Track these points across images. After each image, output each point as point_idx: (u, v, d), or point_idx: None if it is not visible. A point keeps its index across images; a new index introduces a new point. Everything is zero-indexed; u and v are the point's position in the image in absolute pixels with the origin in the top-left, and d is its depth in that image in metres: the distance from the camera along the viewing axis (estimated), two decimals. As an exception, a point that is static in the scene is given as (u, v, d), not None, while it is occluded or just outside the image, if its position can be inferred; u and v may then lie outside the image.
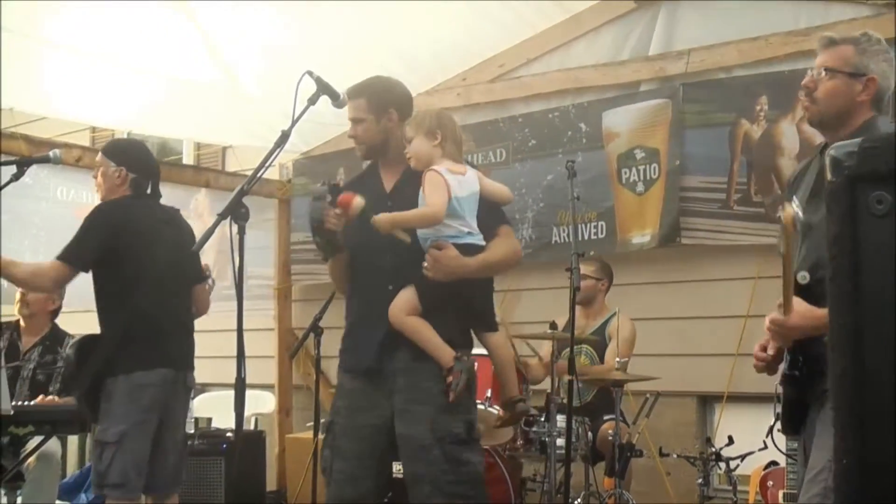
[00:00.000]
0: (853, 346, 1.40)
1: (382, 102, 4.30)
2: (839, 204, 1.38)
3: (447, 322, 4.11)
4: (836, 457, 1.48)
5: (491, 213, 4.25)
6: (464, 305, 4.19)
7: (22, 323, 6.07)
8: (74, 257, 4.82)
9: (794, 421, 3.27)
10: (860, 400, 1.41)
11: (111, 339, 4.78)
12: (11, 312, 6.94)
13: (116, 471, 4.69)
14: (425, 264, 4.03)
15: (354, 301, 4.37)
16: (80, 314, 7.04)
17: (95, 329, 5.15)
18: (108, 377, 4.76)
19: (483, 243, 4.13)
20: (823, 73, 3.27)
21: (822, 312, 2.95)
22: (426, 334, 4.06)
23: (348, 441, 4.22)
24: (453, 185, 4.03)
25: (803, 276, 3.05)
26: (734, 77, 6.85)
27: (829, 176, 1.40)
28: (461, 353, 4.04)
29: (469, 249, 4.07)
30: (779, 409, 3.33)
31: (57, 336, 6.19)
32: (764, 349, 3.28)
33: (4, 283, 6.90)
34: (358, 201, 3.99)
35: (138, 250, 4.84)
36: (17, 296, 6.08)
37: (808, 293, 3.06)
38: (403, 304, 4.09)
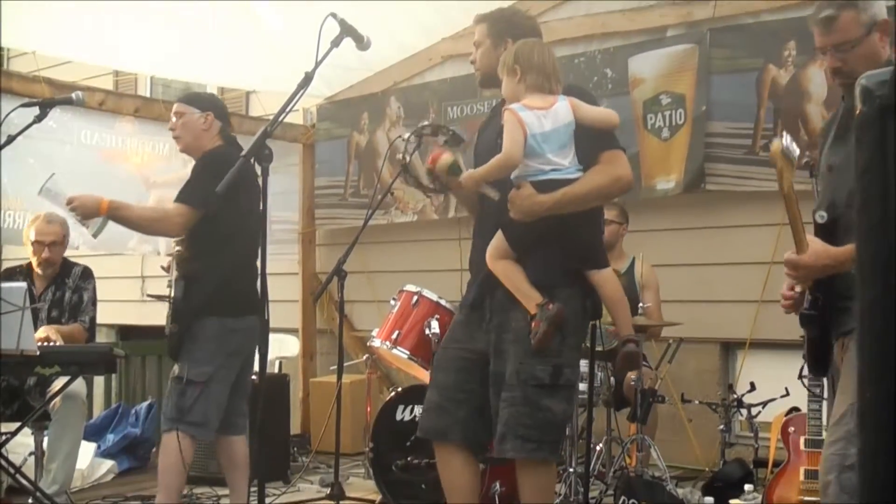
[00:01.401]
0: (883, 276, 1.37)
1: (500, 30, 4.30)
2: (870, 133, 1.36)
3: (543, 263, 4.01)
4: (860, 389, 1.47)
5: (593, 141, 4.02)
6: (559, 244, 4.02)
7: (38, 270, 6.08)
8: (200, 200, 4.78)
9: (820, 361, 3.25)
10: (890, 330, 1.38)
11: (210, 283, 4.82)
12: (16, 255, 6.99)
13: (199, 410, 4.81)
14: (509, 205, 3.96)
15: (474, 237, 4.37)
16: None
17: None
18: (198, 319, 4.84)
19: (575, 176, 3.95)
20: (845, 51, 3.19)
21: (839, 250, 2.97)
22: (514, 280, 3.99)
23: (440, 371, 4.27)
24: (530, 121, 3.88)
25: (821, 216, 3.02)
26: (762, 22, 6.77)
27: (859, 106, 1.38)
28: (551, 298, 3.92)
29: (550, 185, 3.90)
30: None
31: (65, 269, 6.20)
32: (792, 287, 3.26)
33: (4, 223, 6.97)
34: (445, 158, 3.98)
35: (244, 200, 4.83)
36: (35, 259, 6.04)
37: (826, 233, 3.03)
38: (495, 248, 4.04)
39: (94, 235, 4.92)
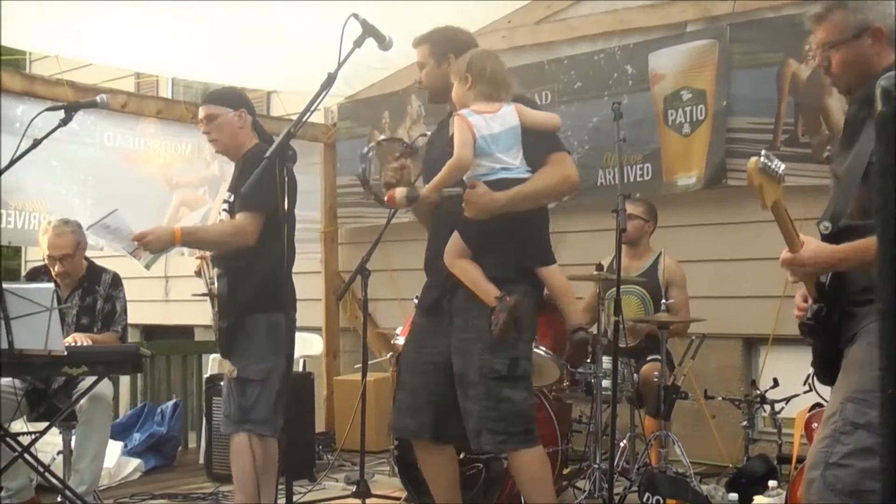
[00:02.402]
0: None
1: (442, 49, 4.49)
2: (888, 132, 1.37)
3: (498, 259, 4.23)
4: (882, 386, 1.49)
5: (539, 143, 4.27)
6: (512, 241, 4.24)
7: (56, 278, 6.07)
8: (263, 204, 4.66)
9: (828, 370, 3.21)
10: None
11: (256, 279, 4.78)
12: (40, 256, 7.00)
13: (262, 407, 4.78)
14: (463, 205, 4.14)
15: (430, 241, 4.58)
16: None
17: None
18: (249, 315, 4.80)
19: (525, 176, 4.20)
20: (829, 50, 3.17)
21: (837, 247, 2.96)
22: (471, 276, 4.20)
23: (409, 375, 4.52)
24: (478, 124, 4.12)
25: (825, 226, 2.99)
26: (782, 16, 6.74)
27: (878, 106, 1.39)
28: (507, 291, 4.12)
29: (503, 184, 4.13)
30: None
31: (94, 275, 6.16)
32: (806, 299, 3.24)
33: (28, 225, 7.02)
34: (399, 194, 4.20)
35: (287, 196, 4.76)
36: (55, 270, 6.00)
37: (830, 242, 3.01)
38: (453, 248, 4.27)
39: (147, 267, 4.91)
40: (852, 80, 3.19)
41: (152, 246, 4.74)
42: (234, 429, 4.86)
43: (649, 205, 6.56)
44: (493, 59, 4.35)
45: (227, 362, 4.92)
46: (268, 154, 3.70)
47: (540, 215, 4.38)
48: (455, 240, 4.27)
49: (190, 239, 4.89)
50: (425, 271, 4.58)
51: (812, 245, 3.00)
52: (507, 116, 4.20)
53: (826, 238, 3.02)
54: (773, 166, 2.84)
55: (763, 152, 2.85)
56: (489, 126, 4.14)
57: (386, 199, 4.28)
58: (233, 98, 5.12)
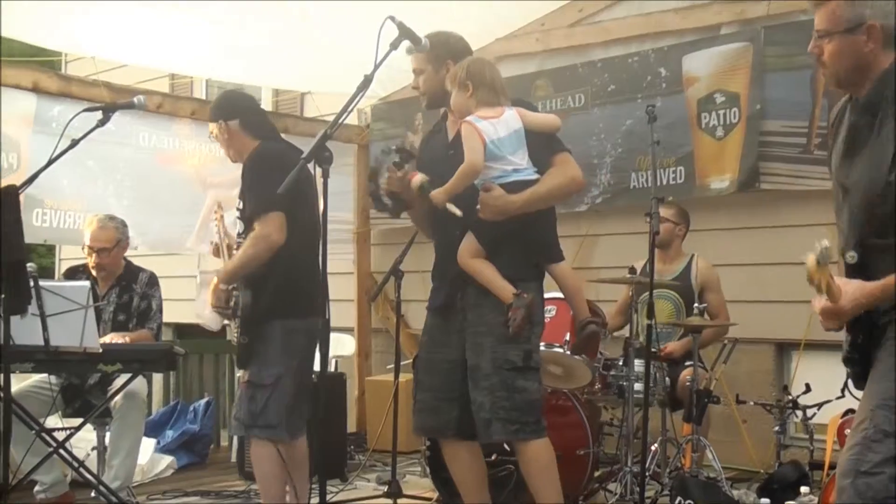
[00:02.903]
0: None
1: (440, 54, 4.54)
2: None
3: (511, 259, 4.34)
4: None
5: (543, 145, 4.41)
6: (525, 240, 4.37)
7: (93, 272, 6.13)
8: (279, 201, 4.64)
9: (864, 376, 3.13)
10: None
11: (273, 286, 4.82)
12: (76, 255, 7.09)
13: (272, 412, 4.81)
14: (478, 207, 4.26)
15: (435, 246, 4.70)
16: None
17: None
18: (267, 321, 4.83)
19: (534, 177, 4.32)
20: (822, 39, 3.12)
21: (873, 286, 2.89)
22: (487, 275, 4.32)
23: (427, 375, 4.60)
24: (486, 129, 4.24)
25: (851, 257, 2.95)
26: (817, 18, 6.72)
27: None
28: (521, 290, 4.25)
29: (517, 186, 4.26)
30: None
31: (131, 274, 6.23)
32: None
33: (64, 224, 7.09)
34: (416, 180, 4.35)
35: (300, 197, 4.78)
36: (91, 261, 6.09)
37: (858, 271, 2.95)
38: (467, 248, 4.38)
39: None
40: (842, 73, 3.14)
41: (212, 303, 4.94)
42: (244, 433, 4.98)
43: (680, 208, 6.55)
44: (490, 66, 4.49)
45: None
46: (304, 156, 3.72)
47: (548, 214, 4.50)
48: (469, 241, 4.38)
49: (228, 277, 4.90)
50: (432, 274, 4.68)
51: (850, 290, 2.92)
52: (510, 120, 4.32)
53: (852, 268, 2.97)
54: (826, 256, 2.78)
55: (818, 243, 2.76)
56: (496, 130, 4.26)
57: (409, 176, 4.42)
58: (214, 110, 5.22)
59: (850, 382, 3.29)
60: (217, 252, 5.35)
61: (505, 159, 4.27)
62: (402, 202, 4.57)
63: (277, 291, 4.80)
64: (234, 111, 5.13)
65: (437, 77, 4.57)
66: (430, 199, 4.32)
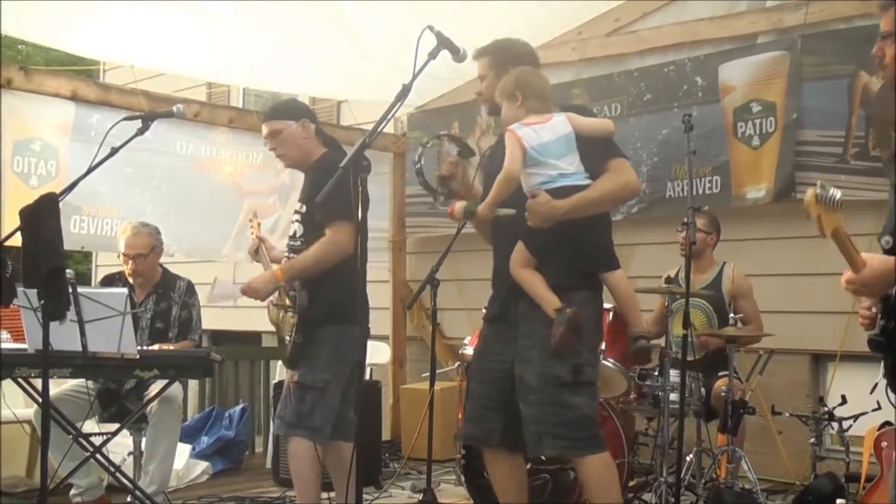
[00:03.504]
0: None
1: (503, 60, 4.53)
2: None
3: (560, 267, 4.28)
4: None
5: (597, 151, 4.31)
6: (574, 248, 4.28)
7: (129, 279, 6.17)
8: (351, 212, 4.43)
9: None
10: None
11: (332, 291, 4.82)
12: (113, 261, 7.14)
13: (319, 415, 4.86)
14: (526, 214, 4.20)
15: (494, 253, 4.63)
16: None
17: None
18: (323, 325, 4.86)
19: (585, 182, 4.23)
20: (885, 40, 3.11)
21: None
22: (534, 287, 4.26)
23: (477, 383, 4.55)
24: (527, 135, 4.19)
25: (886, 241, 2.99)
26: (854, 27, 6.68)
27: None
28: (565, 304, 4.17)
29: (564, 192, 4.19)
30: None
31: (168, 281, 6.27)
32: (869, 308, 3.20)
33: (101, 231, 7.16)
34: (458, 208, 4.31)
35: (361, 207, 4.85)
36: (128, 269, 6.14)
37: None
38: (518, 258, 4.32)
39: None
40: None
41: (260, 293, 4.93)
42: (288, 432, 4.95)
43: (712, 217, 6.52)
44: (538, 75, 4.45)
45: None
46: (343, 164, 3.72)
47: (602, 221, 4.42)
48: (519, 249, 4.32)
49: (292, 273, 4.92)
50: (492, 283, 4.63)
51: (874, 262, 2.96)
52: (558, 125, 4.26)
53: (889, 253, 2.99)
54: (830, 195, 2.81)
55: (819, 183, 2.82)
56: (539, 136, 4.20)
57: (448, 211, 4.38)
58: (293, 110, 5.20)
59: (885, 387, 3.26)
60: (256, 253, 5.35)
61: (549, 164, 4.20)
62: (452, 192, 4.53)
63: (336, 297, 4.79)
64: (312, 114, 5.22)
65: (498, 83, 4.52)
66: (479, 219, 4.34)
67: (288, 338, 4.96)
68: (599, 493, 4.27)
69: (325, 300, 4.85)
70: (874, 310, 3.16)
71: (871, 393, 4.85)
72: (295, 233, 5.09)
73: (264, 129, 5.14)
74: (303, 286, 4.89)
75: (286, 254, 5.13)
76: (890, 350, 3.11)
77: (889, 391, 3.30)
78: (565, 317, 4.14)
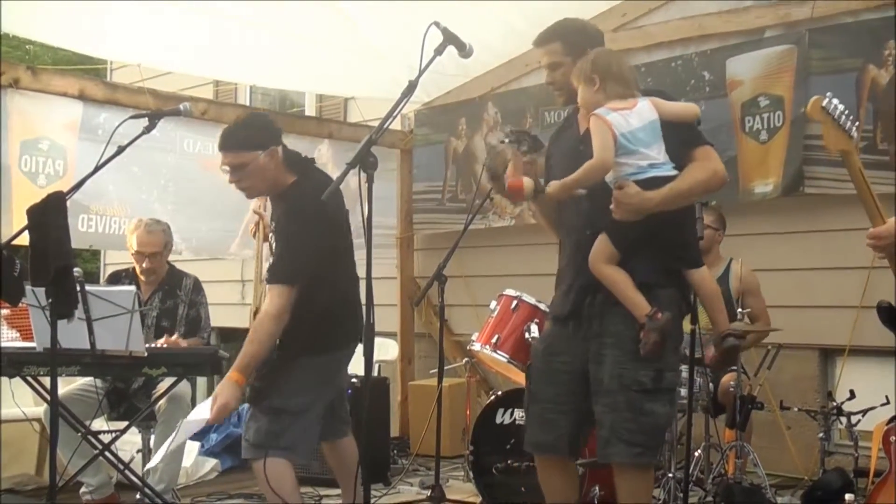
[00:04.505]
0: None
1: (579, 44, 4.25)
2: None
3: (647, 264, 4.01)
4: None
5: (682, 138, 4.06)
6: (662, 243, 4.04)
7: (141, 277, 6.17)
8: (292, 276, 4.45)
9: None
10: None
11: (303, 328, 4.52)
12: (120, 259, 7.14)
13: (291, 437, 4.51)
14: (611, 206, 3.95)
15: (563, 246, 4.37)
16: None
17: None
18: (308, 356, 4.58)
19: (673, 173, 3.97)
20: None
21: None
22: (621, 287, 3.98)
23: (542, 385, 4.25)
24: (617, 122, 3.92)
25: None
26: (861, 21, 6.66)
27: None
28: (656, 308, 3.92)
29: (654, 183, 3.91)
30: None
31: (174, 278, 6.26)
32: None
33: (108, 229, 7.18)
34: (527, 184, 4.05)
35: (336, 228, 4.63)
36: (138, 268, 6.14)
37: None
38: (600, 253, 4.03)
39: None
40: None
41: (231, 405, 4.50)
42: (256, 454, 4.53)
43: (718, 213, 6.50)
44: (617, 57, 4.20)
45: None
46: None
47: (688, 214, 4.19)
48: (603, 244, 4.02)
49: (248, 368, 4.50)
50: (557, 278, 4.37)
51: (892, 223, 2.95)
52: (644, 111, 3.98)
53: None
54: (838, 113, 2.76)
55: (829, 94, 2.78)
56: (628, 122, 3.93)
57: (508, 186, 4.09)
58: (258, 136, 4.62)
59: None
60: (256, 228, 5.29)
61: (639, 153, 3.92)
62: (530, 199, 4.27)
63: (314, 330, 4.56)
64: (277, 135, 4.71)
65: None
66: (548, 198, 4.08)
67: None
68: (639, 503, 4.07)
69: (294, 340, 4.56)
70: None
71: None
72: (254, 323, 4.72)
73: (223, 160, 4.61)
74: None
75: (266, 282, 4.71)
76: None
77: None
78: (658, 324, 3.89)
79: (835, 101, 2.77)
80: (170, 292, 6.19)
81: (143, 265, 6.10)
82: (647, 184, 3.90)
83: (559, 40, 4.28)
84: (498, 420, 5.95)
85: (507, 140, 4.23)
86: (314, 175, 4.75)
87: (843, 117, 2.77)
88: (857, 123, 2.80)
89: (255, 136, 4.60)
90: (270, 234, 4.82)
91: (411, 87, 3.84)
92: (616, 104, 3.98)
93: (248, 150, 4.54)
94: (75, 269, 4.49)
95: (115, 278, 6.31)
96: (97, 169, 4.50)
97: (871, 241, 3.03)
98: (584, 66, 4.07)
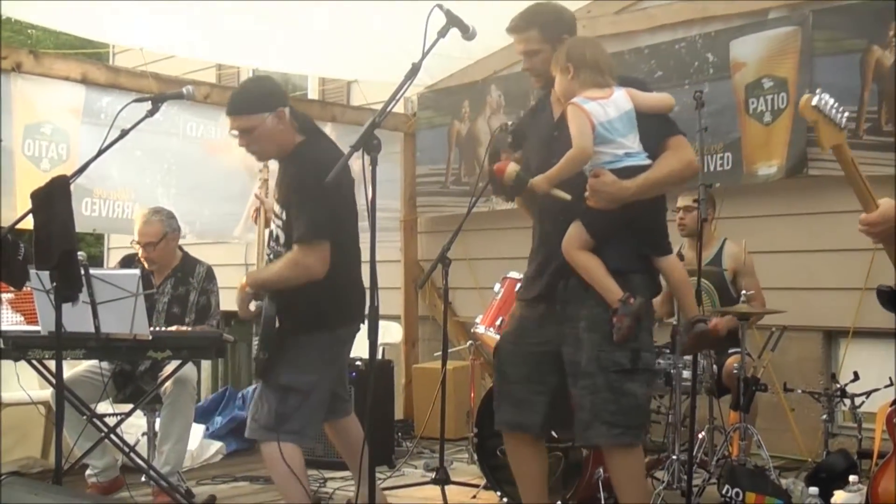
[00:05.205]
0: None
1: (556, 31, 4.28)
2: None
3: (620, 251, 4.11)
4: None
5: (655, 128, 4.14)
6: (634, 231, 4.13)
7: (145, 265, 6.16)
8: (327, 227, 4.42)
9: None
10: None
11: (311, 301, 4.50)
12: (123, 244, 7.15)
13: (300, 419, 4.53)
14: (586, 194, 4.01)
15: (535, 230, 4.45)
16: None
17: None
18: (309, 333, 4.54)
19: (647, 162, 4.05)
20: None
21: None
22: (595, 273, 4.06)
23: (514, 366, 4.34)
24: (595, 112, 4.00)
25: None
26: (865, 2, 6.64)
27: None
28: (629, 293, 4.00)
29: (629, 172, 4.00)
30: None
31: (187, 266, 6.23)
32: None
33: (113, 213, 7.18)
34: (511, 168, 4.08)
35: (345, 202, 4.62)
36: (141, 252, 6.12)
37: None
38: (574, 239, 4.11)
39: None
40: None
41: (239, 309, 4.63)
42: (264, 435, 4.56)
43: (709, 195, 6.47)
44: (593, 45, 4.24)
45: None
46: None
47: (659, 203, 4.25)
48: (577, 230, 4.10)
49: (255, 284, 4.58)
50: (531, 261, 4.43)
51: (885, 207, 2.93)
52: (620, 101, 4.07)
53: None
54: (829, 108, 2.75)
55: (819, 90, 2.77)
56: (606, 112, 4.01)
57: (495, 168, 4.13)
58: (266, 98, 4.60)
59: None
60: (256, 214, 5.28)
61: (616, 143, 4.01)
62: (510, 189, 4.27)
63: (320, 305, 4.54)
64: (284, 96, 4.72)
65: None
66: (530, 188, 4.08)
67: (254, 353, 4.68)
68: (635, 486, 4.16)
69: (298, 313, 4.52)
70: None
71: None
72: (278, 238, 4.68)
73: (231, 124, 4.59)
74: (271, 297, 4.53)
75: (268, 255, 4.76)
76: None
77: None
78: (632, 308, 3.98)
79: (825, 96, 2.75)
80: (182, 279, 6.15)
81: (141, 254, 6.08)
82: (622, 173, 3.99)
83: (536, 28, 4.30)
84: (502, 402, 5.95)
85: (503, 133, 4.36)
86: (323, 138, 4.79)
87: (834, 111, 2.75)
88: (845, 113, 2.77)
89: (261, 98, 4.59)
90: (273, 221, 4.78)
91: (414, 70, 3.82)
92: (593, 93, 4.06)
93: (255, 113, 4.52)
94: (79, 253, 4.49)
95: (128, 261, 6.26)
96: (100, 153, 4.50)
97: (864, 227, 2.99)
98: (560, 55, 4.15)
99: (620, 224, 4.06)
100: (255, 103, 4.56)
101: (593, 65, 4.10)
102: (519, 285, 4.53)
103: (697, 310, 4.45)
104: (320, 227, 4.40)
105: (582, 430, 4.09)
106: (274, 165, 4.82)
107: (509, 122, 4.44)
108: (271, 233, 4.80)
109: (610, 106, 4.03)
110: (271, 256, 4.71)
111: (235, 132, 4.59)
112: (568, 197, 4.01)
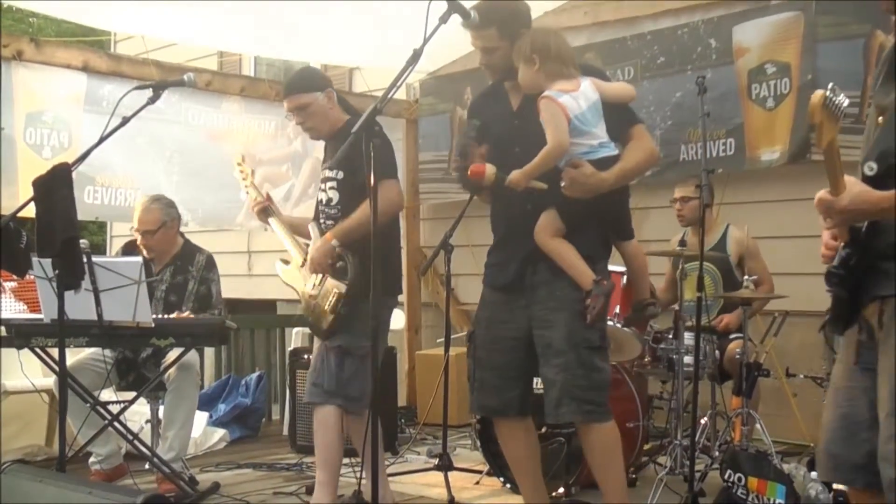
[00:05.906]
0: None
1: (514, 27, 4.29)
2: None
3: (590, 238, 4.23)
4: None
5: (618, 117, 4.23)
6: (602, 219, 4.25)
7: (144, 252, 6.13)
8: (395, 172, 4.87)
9: (842, 320, 3.05)
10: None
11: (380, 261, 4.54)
12: (126, 231, 7.13)
13: (357, 384, 4.81)
14: (563, 184, 4.07)
15: (499, 219, 4.49)
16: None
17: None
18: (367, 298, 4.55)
19: (616, 152, 4.16)
20: None
21: (881, 195, 2.73)
22: (569, 259, 4.16)
23: (488, 352, 4.42)
24: (569, 105, 4.05)
25: (870, 167, 2.79)
26: (868, -13, 6.64)
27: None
28: (601, 276, 4.13)
29: (605, 163, 4.09)
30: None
31: (187, 254, 6.19)
32: (835, 239, 3.00)
33: (115, 201, 7.18)
34: (490, 171, 4.12)
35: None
36: (140, 242, 6.08)
37: (875, 186, 2.77)
38: (547, 226, 4.19)
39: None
40: None
41: (320, 264, 4.86)
42: (325, 399, 4.83)
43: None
44: (556, 36, 4.27)
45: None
46: (354, 129, 3.68)
47: (624, 191, 4.34)
48: (551, 218, 4.17)
49: (343, 236, 4.81)
50: (494, 249, 4.48)
51: (855, 190, 2.77)
52: (588, 91, 4.12)
53: (871, 180, 2.79)
54: (837, 102, 2.69)
55: (830, 85, 2.70)
56: (578, 104, 4.06)
57: (471, 172, 4.15)
58: (317, 79, 5.10)
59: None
60: (264, 213, 5.29)
61: (590, 134, 4.08)
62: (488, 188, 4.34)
63: (383, 268, 4.61)
64: (330, 81, 5.16)
65: (512, 51, 4.26)
66: (511, 186, 4.10)
67: (327, 307, 4.83)
68: (610, 461, 4.24)
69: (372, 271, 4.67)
70: (840, 242, 2.96)
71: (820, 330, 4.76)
72: (330, 200, 4.98)
73: (289, 104, 4.99)
74: (354, 254, 4.78)
75: (322, 222, 5.01)
76: (847, 284, 2.93)
77: (826, 332, 3.18)
78: (604, 289, 4.11)
79: (837, 98, 2.63)
80: (181, 268, 6.11)
81: (142, 241, 6.06)
82: (598, 164, 4.07)
83: (494, 26, 4.28)
84: (505, 388, 5.96)
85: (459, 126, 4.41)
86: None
87: (840, 104, 2.66)
88: (846, 102, 2.70)
89: (312, 79, 5.11)
90: (323, 186, 5.06)
91: (416, 56, 3.82)
92: (563, 85, 4.10)
93: (309, 92, 4.96)
94: (81, 241, 4.49)
95: (129, 249, 6.24)
96: (102, 140, 4.51)
97: (820, 207, 2.85)
98: (524, 47, 4.17)
99: (594, 212, 4.15)
100: (308, 83, 5.03)
101: (557, 56, 4.14)
102: (485, 272, 4.53)
103: (647, 294, 4.72)
104: (391, 168, 4.74)
105: (553, 407, 4.16)
106: (254, 157, 5.00)
107: (475, 120, 4.45)
108: (319, 201, 5.11)
109: (581, 98, 4.09)
110: (326, 223, 5.01)
111: (291, 114, 5.01)
112: (545, 187, 4.09)
